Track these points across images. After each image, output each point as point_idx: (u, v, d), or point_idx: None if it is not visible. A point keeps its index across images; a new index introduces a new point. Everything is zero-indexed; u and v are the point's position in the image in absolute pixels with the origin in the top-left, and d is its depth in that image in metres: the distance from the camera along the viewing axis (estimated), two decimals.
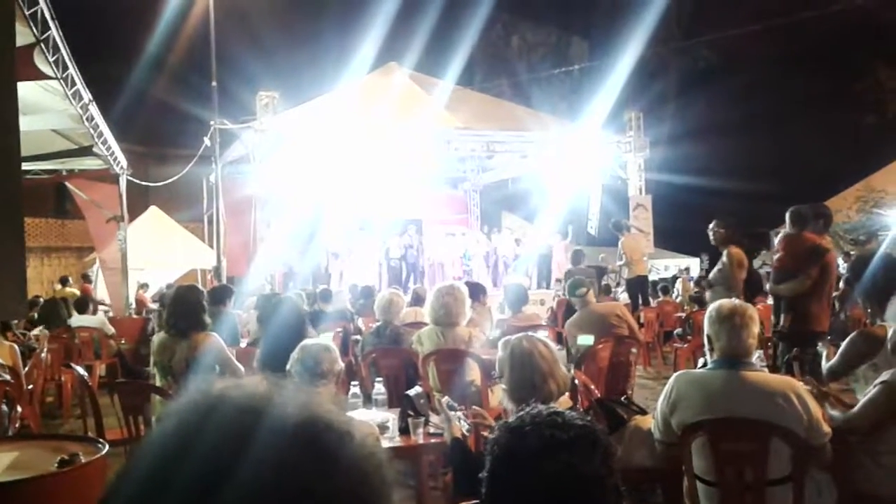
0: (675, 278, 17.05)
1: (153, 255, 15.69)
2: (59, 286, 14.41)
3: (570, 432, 1.30)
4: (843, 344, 4.19)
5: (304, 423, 0.77)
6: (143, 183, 14.63)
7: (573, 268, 11.29)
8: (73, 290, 13.09)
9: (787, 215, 6.55)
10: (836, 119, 22.45)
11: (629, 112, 16.93)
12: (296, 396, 0.81)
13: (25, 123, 6.41)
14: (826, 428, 3.11)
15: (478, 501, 3.10)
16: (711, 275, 7.08)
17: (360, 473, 0.77)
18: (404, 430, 3.66)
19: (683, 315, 10.46)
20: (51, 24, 6.09)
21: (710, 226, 7.16)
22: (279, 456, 0.72)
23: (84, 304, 10.00)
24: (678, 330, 10.60)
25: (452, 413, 3.25)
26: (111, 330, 9.56)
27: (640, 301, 11.63)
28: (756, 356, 3.46)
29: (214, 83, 14.19)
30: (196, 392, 0.81)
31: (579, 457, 1.27)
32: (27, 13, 5.63)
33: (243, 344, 6.85)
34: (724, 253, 6.95)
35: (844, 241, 16.40)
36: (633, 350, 5.92)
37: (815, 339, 5.61)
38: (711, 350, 3.32)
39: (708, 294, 7.02)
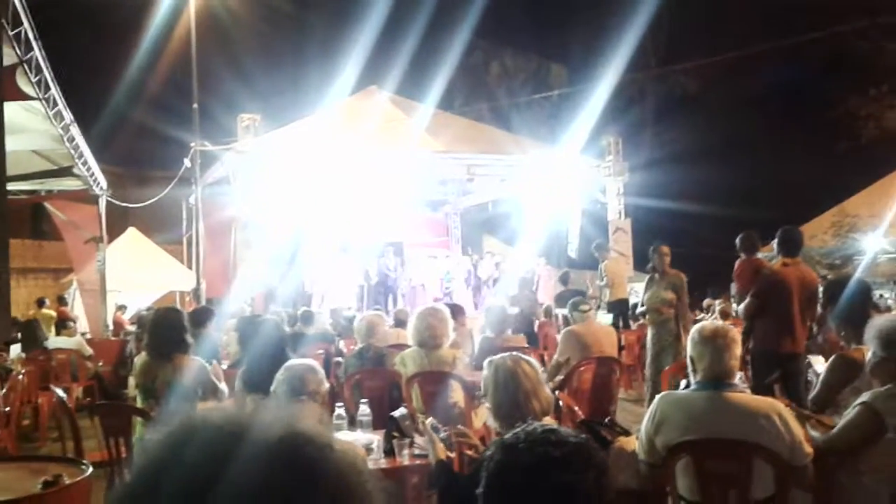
0: None
1: (131, 276, 15.54)
2: (35, 308, 14.22)
3: (563, 449, 1.32)
4: (823, 371, 4.25)
5: (284, 437, 0.79)
6: (123, 204, 14.54)
7: (565, 290, 11.41)
8: (50, 312, 12.93)
9: (737, 241, 6.91)
10: (811, 145, 22.78)
11: (608, 137, 17.10)
12: (277, 414, 0.84)
13: (6, 143, 6.37)
14: (808, 448, 3.15)
15: None
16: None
17: (343, 485, 0.79)
18: (389, 452, 3.66)
19: None
20: (34, 44, 6.09)
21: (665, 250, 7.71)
22: (261, 471, 0.74)
23: (64, 325, 9.90)
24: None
25: (436, 434, 3.25)
26: (89, 351, 9.45)
27: (622, 324, 11.69)
28: (738, 377, 3.50)
29: (196, 105, 14.19)
30: (179, 416, 0.84)
31: (573, 474, 1.28)
32: (11, 33, 5.63)
33: (224, 366, 6.79)
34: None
35: (820, 265, 16.58)
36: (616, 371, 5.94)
37: (784, 361, 5.69)
38: (694, 371, 3.35)
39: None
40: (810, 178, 20.68)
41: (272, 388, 3.16)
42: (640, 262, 18.21)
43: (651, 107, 28.17)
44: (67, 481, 2.51)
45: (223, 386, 5.08)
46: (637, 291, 21.15)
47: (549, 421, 3.09)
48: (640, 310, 8.21)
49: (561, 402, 4.54)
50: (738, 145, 24.01)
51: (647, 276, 7.90)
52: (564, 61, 31.79)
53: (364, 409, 4.10)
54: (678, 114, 26.22)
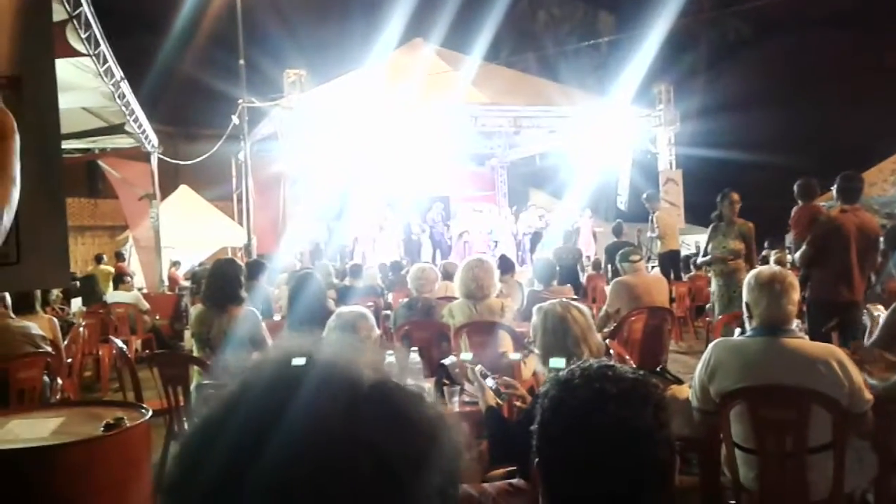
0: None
1: (184, 233, 15.84)
2: (94, 264, 14.64)
3: (620, 385, 1.29)
4: (885, 315, 4.13)
5: (378, 382, 0.78)
6: (174, 161, 14.75)
7: (616, 241, 11.31)
8: (108, 268, 13.28)
9: (795, 187, 6.67)
10: (871, 91, 21.94)
11: (659, 85, 16.71)
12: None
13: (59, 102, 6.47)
14: (868, 395, 3.07)
15: (513, 468, 3.12)
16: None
17: (431, 433, 0.77)
18: (439, 399, 3.68)
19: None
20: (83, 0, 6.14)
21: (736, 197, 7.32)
22: (352, 411, 0.73)
23: (119, 280, 10.16)
24: (710, 304, 10.52)
25: (486, 381, 3.25)
26: (146, 306, 9.69)
27: (672, 276, 11.54)
28: (795, 324, 3.41)
29: (242, 61, 14.22)
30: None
31: (630, 410, 1.26)
32: None
33: (277, 317, 6.91)
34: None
35: (879, 214, 16.10)
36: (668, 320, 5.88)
37: (841, 310, 5.53)
38: (750, 317, 3.28)
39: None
40: (870, 124, 19.98)
41: (323, 335, 3.18)
42: (691, 214, 17.92)
43: (704, 53, 27.35)
44: (128, 424, 2.58)
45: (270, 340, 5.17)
46: (688, 243, 20.92)
47: None
48: (701, 259, 7.70)
49: (612, 351, 4.51)
50: (794, 91, 23.26)
51: (712, 225, 7.49)
52: (612, 8, 31.02)
53: (414, 357, 4.13)
54: (732, 60, 25.45)
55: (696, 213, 20.11)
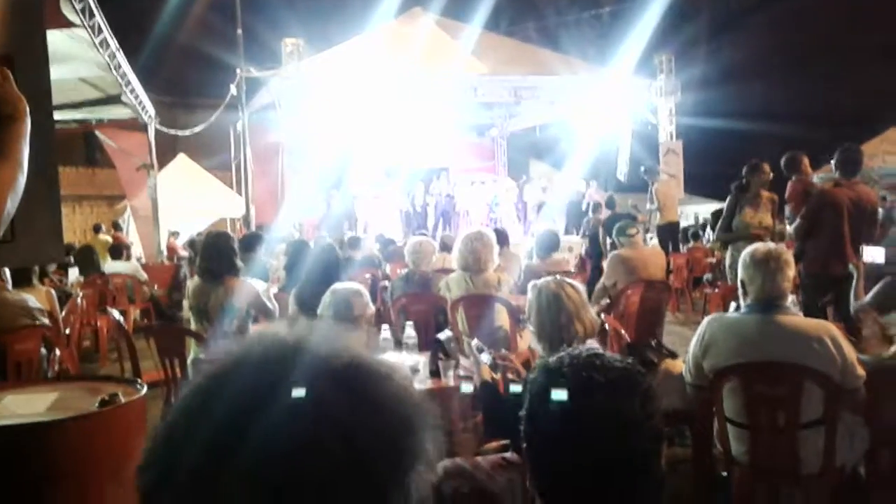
0: (705, 224, 16.88)
1: (182, 202, 15.82)
2: (91, 234, 14.63)
3: (608, 374, 1.29)
4: (879, 285, 4.13)
5: (346, 364, 0.80)
6: (171, 131, 14.67)
7: (613, 213, 11.22)
8: (106, 238, 13.27)
9: (782, 162, 6.55)
10: (873, 61, 21.75)
11: (660, 55, 16.58)
12: (337, 339, 0.84)
13: (54, 73, 6.42)
14: (860, 371, 3.09)
15: (507, 442, 3.14)
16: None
17: (397, 414, 0.79)
18: (435, 373, 3.70)
19: (714, 261, 10.39)
20: None
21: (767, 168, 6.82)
22: (319, 393, 0.75)
23: (117, 250, 10.15)
24: (708, 275, 10.55)
25: (481, 356, 3.27)
26: (144, 276, 9.70)
27: (671, 247, 11.55)
28: (790, 300, 3.42)
29: (240, 30, 14.10)
30: (246, 336, 0.86)
31: (617, 400, 1.26)
32: None
33: (273, 289, 6.91)
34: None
35: (880, 185, 16.06)
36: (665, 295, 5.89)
37: (835, 283, 5.52)
38: (745, 294, 3.28)
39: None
40: (872, 95, 19.85)
41: (319, 311, 3.19)
42: (691, 184, 17.88)
43: (706, 22, 27.06)
44: (123, 400, 2.59)
45: (273, 305, 5.19)
46: (687, 214, 20.90)
47: (592, 344, 3.08)
48: (724, 235, 6.87)
49: (607, 326, 4.52)
50: (796, 61, 23.07)
51: (732, 197, 6.90)
52: None
53: (409, 332, 4.14)
54: (734, 29, 25.19)
55: (696, 184, 20.08)
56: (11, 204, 1.62)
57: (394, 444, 0.77)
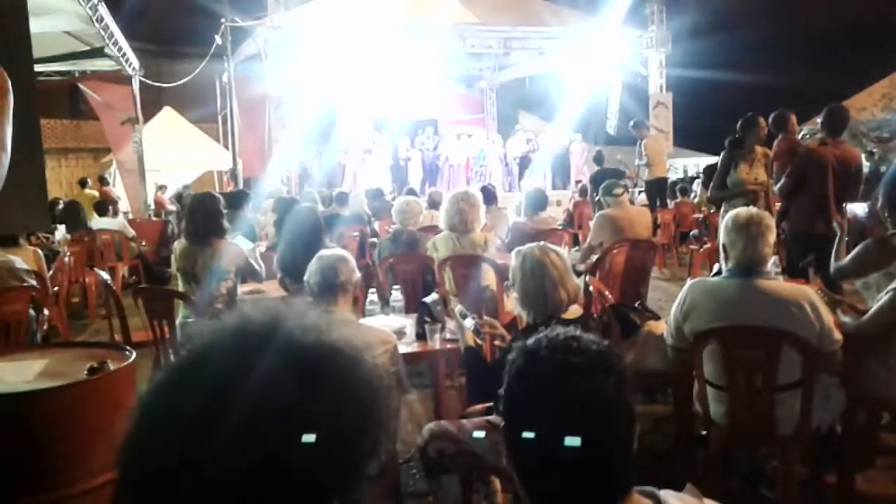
0: (694, 178, 16.91)
1: (169, 156, 15.69)
2: (78, 188, 14.52)
3: (584, 356, 1.33)
4: (858, 248, 4.17)
5: (313, 357, 0.84)
6: (156, 84, 14.46)
7: (601, 169, 11.17)
8: (93, 192, 13.19)
9: (769, 121, 6.47)
10: (864, 12, 21.58)
11: (651, 4, 16.39)
12: (312, 321, 0.87)
13: (36, 26, 6.30)
14: (837, 335, 3.15)
15: (491, 405, 3.21)
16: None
17: (366, 397, 0.83)
18: (421, 336, 3.74)
19: (700, 217, 10.43)
20: None
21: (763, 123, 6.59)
22: (269, 379, 0.78)
23: (103, 206, 10.10)
24: (694, 231, 10.61)
25: (465, 321, 3.31)
26: (132, 232, 9.68)
27: (659, 203, 11.58)
28: (771, 262, 3.47)
29: None
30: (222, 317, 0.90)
31: (593, 382, 1.30)
32: None
33: (262, 247, 6.91)
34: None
35: (868, 138, 16.09)
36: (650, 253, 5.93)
37: (818, 243, 5.52)
38: (726, 258, 3.33)
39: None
40: (863, 46, 19.73)
41: (305, 278, 3.22)
42: (680, 137, 17.85)
43: None
44: (112, 367, 2.63)
45: (261, 267, 5.21)
46: (676, 167, 20.90)
47: (575, 309, 3.13)
48: (718, 193, 6.71)
49: (591, 288, 4.57)
50: (787, 8, 22.85)
51: (726, 153, 6.64)
52: None
53: (396, 296, 4.18)
54: None
55: (686, 136, 20.05)
56: None
57: (361, 427, 0.82)
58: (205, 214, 4.71)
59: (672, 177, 15.65)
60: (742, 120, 6.44)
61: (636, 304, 4.39)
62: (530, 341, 1.45)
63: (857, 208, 6.24)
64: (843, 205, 5.85)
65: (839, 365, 3.25)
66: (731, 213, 3.38)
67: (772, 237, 3.27)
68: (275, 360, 0.80)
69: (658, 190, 11.67)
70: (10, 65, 2.61)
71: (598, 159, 12.12)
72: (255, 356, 0.80)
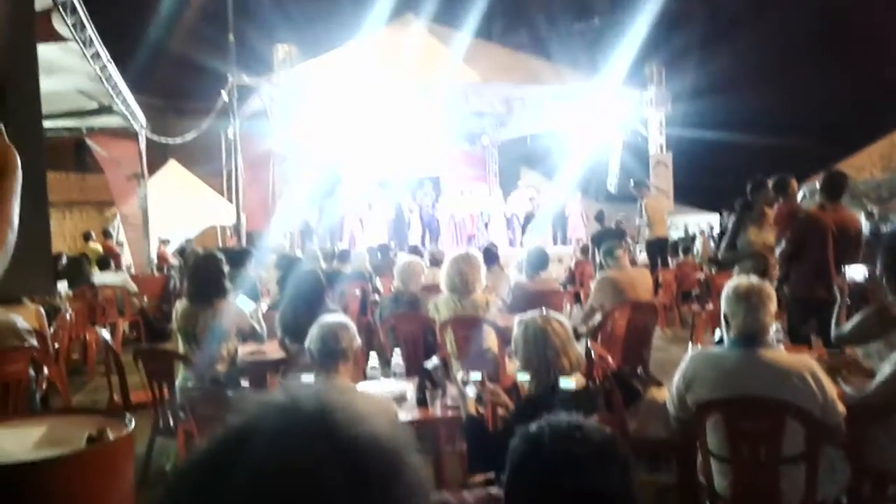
0: (694, 238, 16.98)
1: (173, 210, 15.79)
2: (82, 242, 14.59)
3: (587, 447, 1.32)
4: (858, 316, 4.17)
5: (360, 442, 0.80)
6: (162, 139, 14.65)
7: (602, 229, 11.24)
8: (97, 246, 13.24)
9: (770, 186, 6.53)
10: (862, 74, 21.96)
11: (650, 65, 16.68)
12: (357, 408, 0.84)
13: (47, 84, 6.43)
14: (841, 407, 3.13)
15: (492, 476, 3.17)
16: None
17: (378, 465, 0.79)
18: (422, 402, 3.72)
19: (702, 277, 10.43)
20: None
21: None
22: (319, 470, 0.75)
23: (106, 261, 10.14)
24: (696, 291, 10.60)
25: (467, 388, 3.30)
26: (134, 288, 9.69)
27: (660, 262, 11.60)
28: (773, 329, 3.46)
29: (231, 36, 14.08)
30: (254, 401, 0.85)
31: (596, 474, 1.29)
32: None
33: (264, 305, 6.91)
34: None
35: (868, 198, 16.20)
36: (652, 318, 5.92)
37: (819, 308, 5.52)
38: (728, 328, 3.33)
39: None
40: (860, 106, 20.01)
41: (306, 344, 3.22)
42: (680, 195, 17.97)
43: (697, 31, 27.17)
44: (111, 437, 2.61)
45: (262, 328, 5.21)
46: (677, 226, 21.01)
47: (578, 378, 3.12)
48: (727, 254, 6.65)
49: (593, 353, 4.56)
50: (786, 72, 23.24)
51: (737, 215, 6.70)
52: None
53: (397, 360, 4.17)
54: (726, 39, 25.29)
55: (686, 194, 20.19)
56: (1, 263, 1.61)
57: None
58: (206, 276, 4.73)
59: (673, 235, 15.71)
60: (751, 183, 6.54)
61: (638, 369, 4.38)
62: (533, 427, 1.45)
63: (856, 272, 6.26)
64: (842, 268, 5.85)
65: (843, 437, 3.23)
66: (732, 282, 3.39)
67: (773, 306, 3.27)
68: (326, 451, 0.76)
69: (659, 249, 11.71)
70: (21, 125, 2.65)
71: (600, 218, 12.20)
72: (304, 443, 0.77)
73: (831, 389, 3.14)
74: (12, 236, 1.68)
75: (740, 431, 3.12)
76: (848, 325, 4.20)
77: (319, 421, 0.79)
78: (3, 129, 1.76)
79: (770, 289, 3.34)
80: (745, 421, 3.13)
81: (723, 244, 6.75)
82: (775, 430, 3.06)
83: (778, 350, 3.36)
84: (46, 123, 10.20)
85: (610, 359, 4.43)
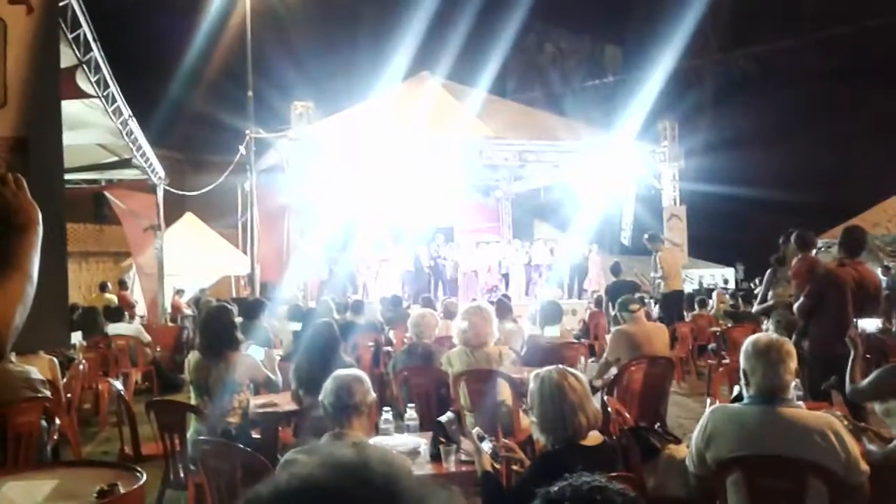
0: (710, 290, 16.87)
1: (188, 260, 15.89)
2: (97, 292, 14.65)
3: None
4: (876, 372, 4.11)
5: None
6: (180, 192, 14.84)
7: (617, 281, 11.18)
8: (112, 297, 13.31)
9: (791, 240, 6.51)
10: (875, 131, 22.07)
11: (663, 122, 16.83)
12: (392, 462, 0.85)
13: (69, 139, 6.56)
14: (864, 466, 3.06)
15: None
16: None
17: None
18: (436, 457, 3.66)
19: (718, 331, 10.33)
20: (93, 45, 6.24)
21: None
22: None
23: (119, 313, 10.17)
24: (712, 345, 10.48)
25: (482, 444, 3.25)
26: (147, 338, 9.70)
27: (675, 316, 11.52)
28: (794, 384, 3.41)
29: (250, 93, 14.38)
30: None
31: None
32: (70, 36, 5.78)
33: (277, 355, 6.89)
34: None
35: (884, 253, 16.11)
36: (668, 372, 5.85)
37: (840, 365, 5.44)
38: (748, 384, 3.28)
39: None
40: (874, 162, 20.07)
41: (320, 398, 3.19)
42: (695, 248, 17.95)
43: (710, 90, 27.49)
44: (122, 490, 2.58)
45: (277, 377, 5.19)
46: (692, 278, 20.94)
47: (595, 436, 3.06)
48: (760, 307, 6.82)
49: (609, 409, 4.49)
50: (799, 129, 23.40)
51: (770, 270, 6.87)
52: (620, 43, 31.24)
53: (411, 414, 4.13)
54: (738, 97, 25.59)
55: (701, 248, 20.18)
56: (20, 318, 1.62)
57: None
58: (217, 328, 4.74)
59: (687, 288, 15.62)
60: (783, 237, 6.53)
61: (656, 425, 4.30)
62: (553, 489, 1.42)
63: (870, 324, 6.16)
64: (855, 321, 5.77)
65: (867, 496, 3.14)
66: (751, 338, 3.35)
67: (793, 363, 3.23)
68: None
69: (674, 303, 11.63)
70: (42, 179, 2.68)
71: (615, 270, 12.16)
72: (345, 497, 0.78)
73: (854, 448, 3.07)
74: (32, 291, 1.69)
75: (762, 490, 3.05)
76: (866, 381, 4.14)
77: (384, 488, 0.79)
78: (25, 184, 1.78)
79: (790, 345, 3.30)
80: (767, 480, 3.06)
81: (758, 299, 6.73)
82: (797, 489, 2.99)
83: (799, 407, 3.30)
84: (66, 176, 10.35)
85: (626, 414, 4.36)
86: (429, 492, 0.82)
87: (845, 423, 3.45)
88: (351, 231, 17.02)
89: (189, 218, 18.14)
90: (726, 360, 7.90)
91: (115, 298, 13.11)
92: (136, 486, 2.64)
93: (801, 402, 3.68)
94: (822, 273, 5.98)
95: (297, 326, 7.89)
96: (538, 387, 3.06)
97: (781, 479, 3.06)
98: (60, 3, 5.41)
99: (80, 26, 5.95)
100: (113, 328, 9.58)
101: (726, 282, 20.57)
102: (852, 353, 4.68)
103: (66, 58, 5.70)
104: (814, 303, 5.75)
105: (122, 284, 14.84)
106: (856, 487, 3.04)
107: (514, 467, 3.10)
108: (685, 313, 12.23)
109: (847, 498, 3.03)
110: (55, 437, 5.23)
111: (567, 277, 17.32)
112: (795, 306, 6.00)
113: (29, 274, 1.65)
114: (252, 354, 5.11)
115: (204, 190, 15.09)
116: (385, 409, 4.09)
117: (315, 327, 5.08)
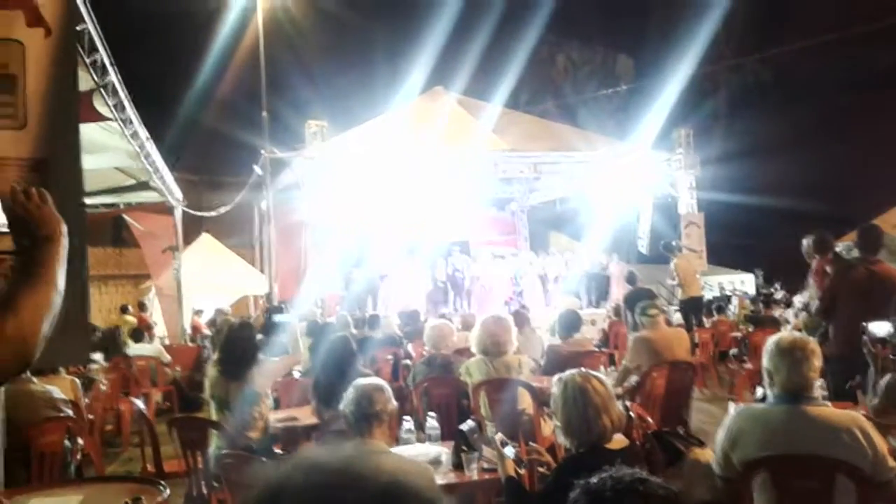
0: (729, 297, 16.74)
1: (206, 281, 15.96)
2: (118, 314, 14.79)
3: (650, 502, 1.28)
4: (887, 382, 4.06)
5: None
6: (198, 213, 14.95)
7: (634, 289, 11.10)
8: (132, 319, 13.42)
9: (810, 243, 6.45)
10: (890, 135, 21.89)
11: (678, 130, 16.74)
12: (381, 461, 0.85)
13: (88, 163, 6.64)
14: (892, 463, 3.01)
15: None
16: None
17: None
18: (458, 466, 3.65)
19: (739, 335, 10.25)
20: (110, 69, 6.33)
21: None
22: None
23: (139, 333, 10.25)
24: (734, 350, 10.39)
25: (505, 450, 3.23)
26: (167, 358, 9.76)
27: (695, 322, 11.43)
28: (818, 384, 3.37)
29: (265, 113, 14.51)
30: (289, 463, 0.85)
31: None
32: (88, 61, 5.86)
33: (297, 373, 6.91)
34: None
35: None
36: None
37: (861, 365, 5.35)
38: (772, 384, 3.24)
39: None
40: (890, 167, 19.90)
41: (341, 407, 3.19)
42: (712, 255, 17.81)
43: (724, 98, 27.38)
44: None
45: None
46: (711, 285, 20.78)
47: (619, 439, 3.03)
48: (799, 306, 6.75)
49: (632, 414, 4.45)
50: (814, 135, 23.27)
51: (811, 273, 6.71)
52: (632, 52, 31.24)
53: (432, 423, 4.11)
54: (753, 104, 25.48)
55: (719, 255, 20.04)
56: (48, 327, 1.64)
57: None
58: (244, 346, 4.76)
59: (707, 295, 15.49)
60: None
61: (679, 430, 4.26)
62: (594, 480, 1.41)
63: (880, 329, 6.00)
64: (864, 325, 5.63)
65: None
66: (774, 337, 3.32)
67: (817, 361, 3.19)
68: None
69: (693, 309, 11.55)
70: (63, 201, 2.71)
71: (631, 279, 12.08)
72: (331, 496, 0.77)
73: (882, 445, 3.02)
74: (59, 301, 1.71)
75: (789, 490, 3.01)
76: (878, 398, 4.09)
77: (343, 473, 0.80)
78: (49, 198, 1.80)
79: (814, 343, 3.26)
80: (795, 479, 3.02)
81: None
82: (825, 488, 2.94)
83: (825, 405, 3.26)
84: (86, 201, 10.45)
85: (650, 419, 4.32)
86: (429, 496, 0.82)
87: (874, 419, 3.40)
88: (367, 246, 17.05)
89: (206, 238, 18.24)
90: (748, 365, 7.82)
91: (135, 320, 13.22)
92: (159, 499, 2.65)
93: (827, 402, 3.62)
94: (833, 274, 5.92)
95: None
96: (561, 390, 3.04)
97: (809, 478, 3.01)
98: (78, 28, 5.50)
99: (97, 50, 6.04)
100: (133, 349, 9.65)
101: (744, 285, 20.40)
102: (871, 366, 4.62)
103: (84, 81, 5.78)
104: (831, 303, 5.69)
105: (142, 306, 14.95)
106: (884, 485, 3.00)
107: (541, 469, 3.07)
108: (705, 319, 12.14)
109: (875, 496, 2.98)
110: (78, 456, 5.27)
111: (584, 288, 17.21)
112: (813, 308, 5.95)
113: (56, 284, 1.67)
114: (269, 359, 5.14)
115: (222, 210, 15.20)
116: (405, 418, 4.09)
117: (331, 342, 5.08)
